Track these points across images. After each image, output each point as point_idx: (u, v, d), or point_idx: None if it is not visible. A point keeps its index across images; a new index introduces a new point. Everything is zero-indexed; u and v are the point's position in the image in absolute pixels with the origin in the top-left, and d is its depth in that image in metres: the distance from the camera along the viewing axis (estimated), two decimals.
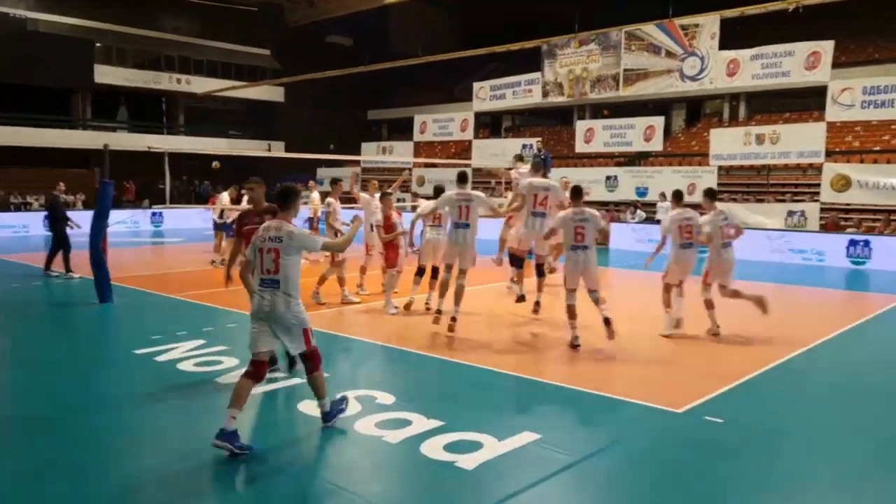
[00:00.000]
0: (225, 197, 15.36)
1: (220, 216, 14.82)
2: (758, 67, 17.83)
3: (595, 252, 7.77)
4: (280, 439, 5.20)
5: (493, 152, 23.54)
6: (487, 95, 23.51)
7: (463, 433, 5.03)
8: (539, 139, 21.94)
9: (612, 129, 21.14)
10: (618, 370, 7.02)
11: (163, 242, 20.79)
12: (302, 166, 31.52)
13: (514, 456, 4.72)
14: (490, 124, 36.42)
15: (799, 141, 17.60)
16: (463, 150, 26.99)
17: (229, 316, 9.10)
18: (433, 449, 4.76)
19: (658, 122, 20.38)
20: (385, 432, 5.07)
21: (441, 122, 25.16)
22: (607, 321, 7.58)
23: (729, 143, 18.84)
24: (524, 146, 22.94)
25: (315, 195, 15.07)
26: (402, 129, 26.82)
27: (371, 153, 27.30)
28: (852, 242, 15.89)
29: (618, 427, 5.42)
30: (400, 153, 26.54)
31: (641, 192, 20.28)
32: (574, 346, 7.66)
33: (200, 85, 34.39)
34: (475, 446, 4.81)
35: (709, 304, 8.42)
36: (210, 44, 36.41)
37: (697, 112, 31.72)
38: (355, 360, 7.45)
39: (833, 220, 17.86)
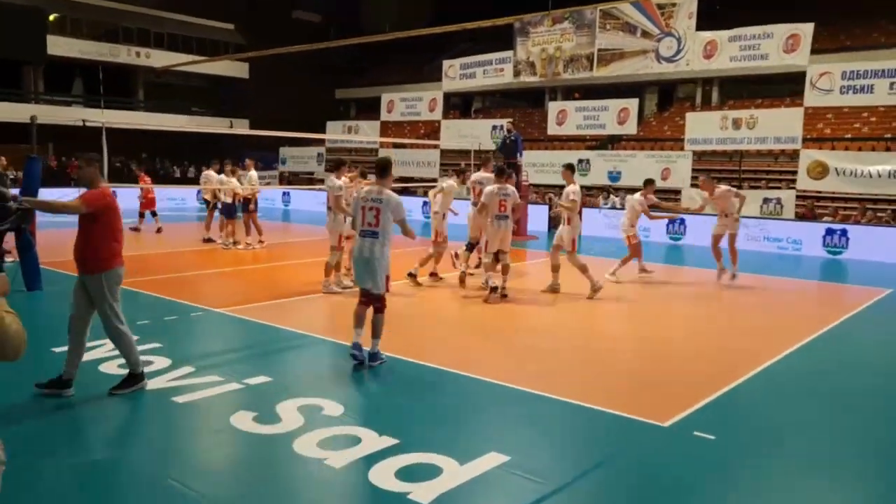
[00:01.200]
0: (213, 176, 14.87)
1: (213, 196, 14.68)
2: (736, 49, 17.29)
3: (511, 222, 9.33)
4: (203, 461, 4.47)
5: (463, 133, 22.78)
6: (457, 74, 22.69)
7: (419, 454, 4.34)
8: (509, 119, 21.17)
9: (584, 111, 20.50)
10: (593, 375, 6.36)
11: None
12: (266, 145, 30.50)
13: (479, 485, 4.03)
14: (460, 105, 35.63)
15: (776, 126, 17.15)
16: (433, 130, 26.14)
17: (170, 307, 8.30)
18: (384, 476, 4.05)
19: (632, 104, 19.80)
20: (328, 453, 4.36)
21: (409, 102, 24.27)
22: (494, 289, 9.08)
23: (704, 128, 18.34)
24: (494, 127, 22.29)
25: (253, 174, 14.05)
26: (371, 109, 25.95)
27: (336, 132, 26.32)
28: (829, 232, 15.50)
29: (599, 446, 4.75)
30: (367, 133, 25.64)
31: (614, 176, 19.72)
32: (492, 288, 9.14)
33: (160, 59, 32.95)
34: (433, 472, 4.12)
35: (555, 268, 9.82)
36: (171, 16, 34.97)
37: (670, 97, 31.32)
38: (305, 361, 6.70)
39: (809, 209, 17.49)
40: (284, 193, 25.90)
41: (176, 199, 24.08)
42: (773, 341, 7.55)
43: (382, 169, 6.41)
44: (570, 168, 10.17)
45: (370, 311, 6.25)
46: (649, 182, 11.59)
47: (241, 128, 33.20)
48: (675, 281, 12.42)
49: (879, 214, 16.69)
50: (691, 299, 10.43)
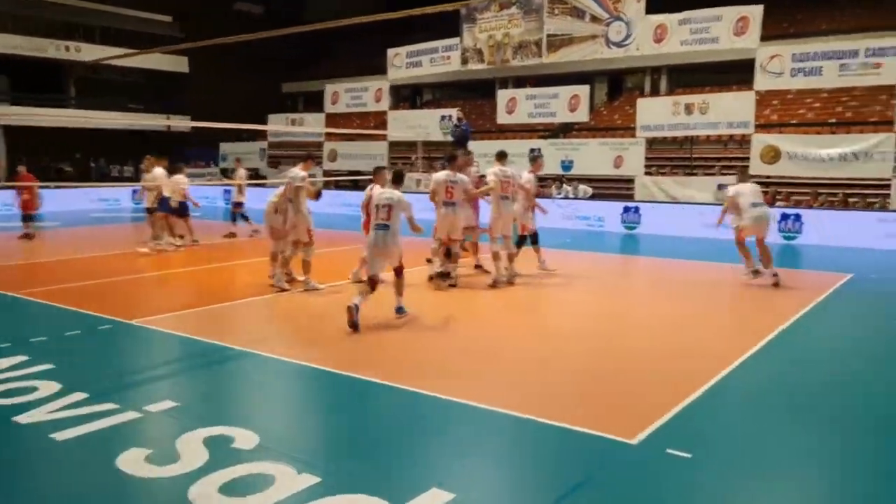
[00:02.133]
0: (158, 171, 13.38)
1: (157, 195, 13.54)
2: (686, 33, 16.88)
3: (464, 208, 9.44)
4: None
5: (411, 124, 21.99)
6: (403, 63, 21.86)
7: (344, 497, 3.59)
8: (458, 108, 20.53)
9: (535, 99, 19.90)
10: (546, 384, 5.68)
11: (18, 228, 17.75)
12: (207, 142, 29.21)
13: None
14: (410, 98, 34.79)
15: (728, 111, 16.79)
16: (382, 123, 25.18)
17: (75, 320, 7.36)
18: None
19: (583, 90, 19.26)
20: (234, 501, 3.58)
21: (354, 93, 23.33)
22: (441, 275, 9.40)
23: (656, 114, 17.90)
24: (443, 117, 21.57)
25: (158, 171, 12.90)
26: (319, 103, 24.98)
27: (280, 126, 25.17)
28: (783, 216, 15.21)
29: (561, 474, 4.02)
30: (311, 126, 24.61)
31: (566, 165, 19.18)
32: (440, 274, 9.46)
33: (92, 53, 31.25)
34: None
35: (496, 257, 9.38)
36: (104, 8, 33.28)
37: (619, 86, 31.01)
38: (222, 380, 5.86)
39: (772, 195, 17.20)
40: (226, 191, 24.70)
41: (108, 199, 22.72)
42: (738, 339, 6.99)
43: (398, 178, 7.84)
44: (497, 156, 9.92)
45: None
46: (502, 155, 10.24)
47: (181, 125, 31.84)
48: (628, 273, 11.91)
49: (831, 199, 16.50)
50: (645, 293, 9.89)
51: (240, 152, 26.71)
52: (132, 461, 4.01)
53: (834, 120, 20.20)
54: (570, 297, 9.36)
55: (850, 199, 16.63)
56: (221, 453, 4.11)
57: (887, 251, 13.71)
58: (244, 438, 4.32)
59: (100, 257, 12.34)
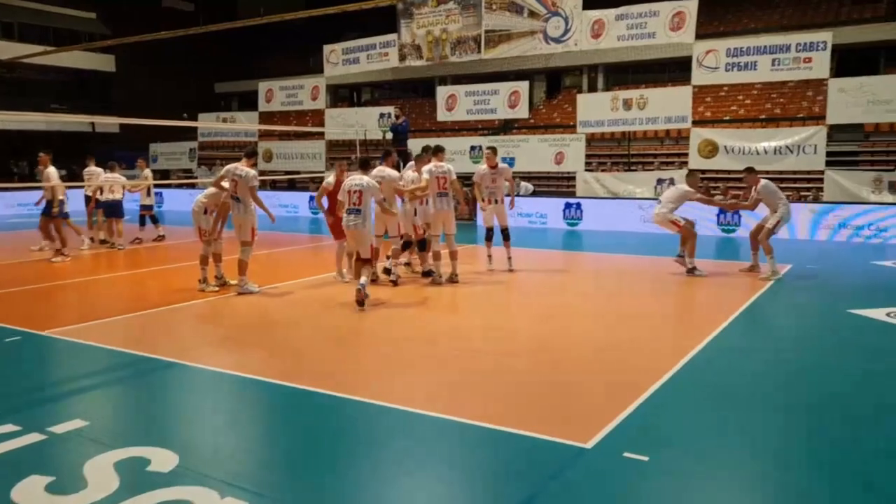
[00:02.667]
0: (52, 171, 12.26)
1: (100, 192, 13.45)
2: (623, 28, 16.90)
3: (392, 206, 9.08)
4: None
5: (349, 123, 21.49)
6: (340, 59, 21.34)
7: None
8: (397, 106, 20.17)
9: (475, 96, 19.66)
10: (492, 386, 5.39)
11: None
12: (135, 143, 28.01)
13: None
14: (349, 97, 34.20)
15: (666, 106, 16.89)
16: (320, 122, 24.49)
17: None
18: None
19: (523, 86, 19.10)
20: None
21: (289, 91, 22.65)
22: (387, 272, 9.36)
23: (596, 110, 17.88)
24: (381, 115, 21.16)
25: (51, 171, 11.94)
26: (254, 104, 24.21)
27: (212, 123, 24.24)
28: (722, 209, 15.37)
29: (516, 479, 3.73)
30: (245, 125, 23.80)
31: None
32: (427, 273, 9.47)
33: (9, 51, 29.65)
34: None
35: (436, 256, 9.35)
36: (23, 4, 31.60)
37: (558, 83, 31.14)
38: (139, 394, 5.36)
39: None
40: (156, 193, 23.69)
41: (27, 203, 21.47)
42: (687, 334, 6.87)
43: (364, 164, 8.39)
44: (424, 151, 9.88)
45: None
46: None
47: (107, 126, 30.53)
48: (572, 269, 11.78)
49: None
50: (591, 290, 9.73)
51: (170, 153, 25.72)
52: (30, 491, 3.52)
53: (764, 116, 20.63)
54: (515, 296, 9.12)
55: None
56: (134, 478, 3.66)
57: (822, 242, 13.99)
58: (161, 460, 3.87)
59: (13, 265, 11.51)
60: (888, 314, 7.52)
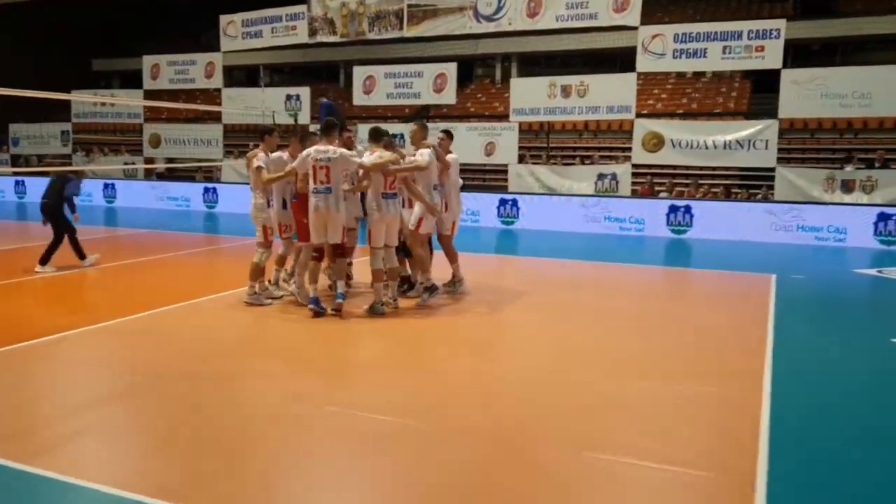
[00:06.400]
0: None
1: None
2: (562, 7, 15.31)
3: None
4: None
5: (251, 105, 18.91)
6: (239, 32, 18.69)
7: None
8: (324, 95, 17.90)
9: (396, 78, 17.56)
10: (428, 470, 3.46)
11: None
12: None
13: None
14: (244, 81, 31.13)
15: (608, 95, 15.43)
16: (216, 103, 21.60)
17: None
18: None
19: (450, 69, 17.18)
20: None
21: (179, 66, 19.71)
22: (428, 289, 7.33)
23: (531, 97, 16.21)
24: (289, 97, 18.76)
25: None
26: (138, 84, 21.02)
27: (87, 103, 20.88)
28: (672, 209, 14.10)
29: None
30: (127, 106, 20.64)
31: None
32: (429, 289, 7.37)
33: None
34: None
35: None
36: None
37: (469, 73, 29.45)
38: None
39: (648, 185, 16.15)
40: (18, 182, 20.29)
41: None
42: (728, 399, 5.18)
43: (328, 126, 6.69)
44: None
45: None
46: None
47: None
48: (524, 277, 9.93)
49: (714, 189, 15.67)
50: (552, 309, 7.96)
51: (36, 136, 22.17)
52: None
53: (720, 110, 19.76)
54: (445, 323, 7.21)
55: (733, 190, 15.92)
56: None
57: (779, 244, 12.92)
58: None
59: None
60: None
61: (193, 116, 22.01)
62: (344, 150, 6.65)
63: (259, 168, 7.05)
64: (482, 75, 29.58)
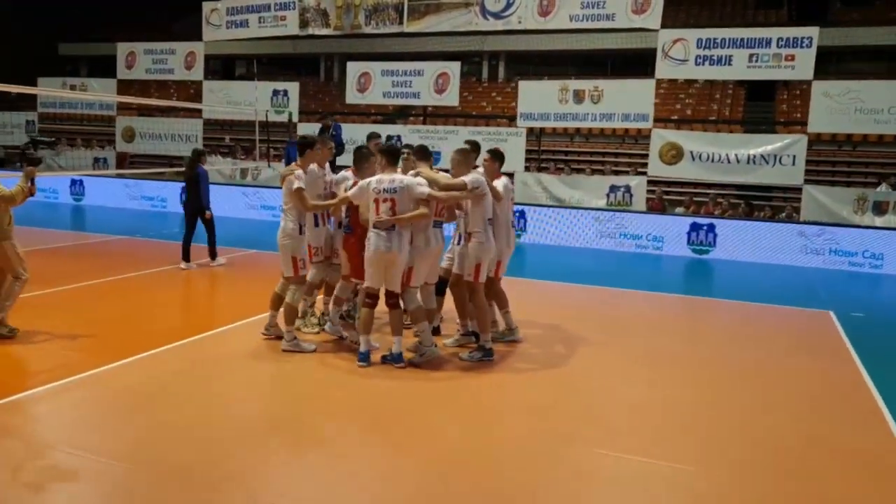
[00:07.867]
0: None
1: None
2: (577, 6, 14.26)
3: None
4: None
5: (234, 99, 17.55)
6: (223, 21, 17.29)
7: None
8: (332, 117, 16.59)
9: (394, 76, 16.34)
10: None
11: None
12: None
13: None
14: (221, 72, 29.59)
15: (624, 102, 14.40)
16: (197, 96, 20.09)
17: None
18: None
19: (453, 67, 16.01)
20: None
21: (157, 56, 18.22)
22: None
23: (541, 101, 15.11)
24: (276, 92, 17.43)
25: None
26: (108, 70, 19.57)
27: (57, 90, 19.25)
28: (694, 227, 13.15)
29: None
30: (100, 95, 19.09)
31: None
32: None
33: None
34: None
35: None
36: None
37: (468, 71, 28.35)
38: None
39: (658, 199, 15.15)
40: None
41: None
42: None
43: (392, 153, 5.71)
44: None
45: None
46: None
47: None
48: (544, 308, 8.77)
49: (734, 206, 14.71)
50: (597, 352, 6.87)
51: None
52: None
53: (713, 118, 18.90)
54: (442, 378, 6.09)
55: (757, 208, 15.00)
56: None
57: (811, 269, 12.03)
58: None
59: None
60: None
61: (168, 108, 20.53)
62: (409, 178, 5.60)
63: (300, 190, 5.80)
64: (467, 73, 28.51)
